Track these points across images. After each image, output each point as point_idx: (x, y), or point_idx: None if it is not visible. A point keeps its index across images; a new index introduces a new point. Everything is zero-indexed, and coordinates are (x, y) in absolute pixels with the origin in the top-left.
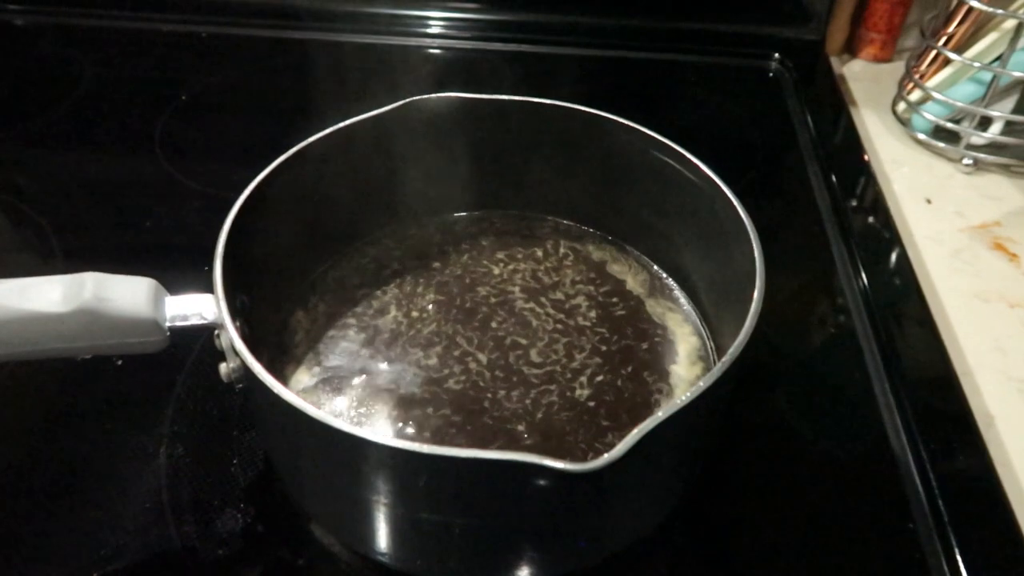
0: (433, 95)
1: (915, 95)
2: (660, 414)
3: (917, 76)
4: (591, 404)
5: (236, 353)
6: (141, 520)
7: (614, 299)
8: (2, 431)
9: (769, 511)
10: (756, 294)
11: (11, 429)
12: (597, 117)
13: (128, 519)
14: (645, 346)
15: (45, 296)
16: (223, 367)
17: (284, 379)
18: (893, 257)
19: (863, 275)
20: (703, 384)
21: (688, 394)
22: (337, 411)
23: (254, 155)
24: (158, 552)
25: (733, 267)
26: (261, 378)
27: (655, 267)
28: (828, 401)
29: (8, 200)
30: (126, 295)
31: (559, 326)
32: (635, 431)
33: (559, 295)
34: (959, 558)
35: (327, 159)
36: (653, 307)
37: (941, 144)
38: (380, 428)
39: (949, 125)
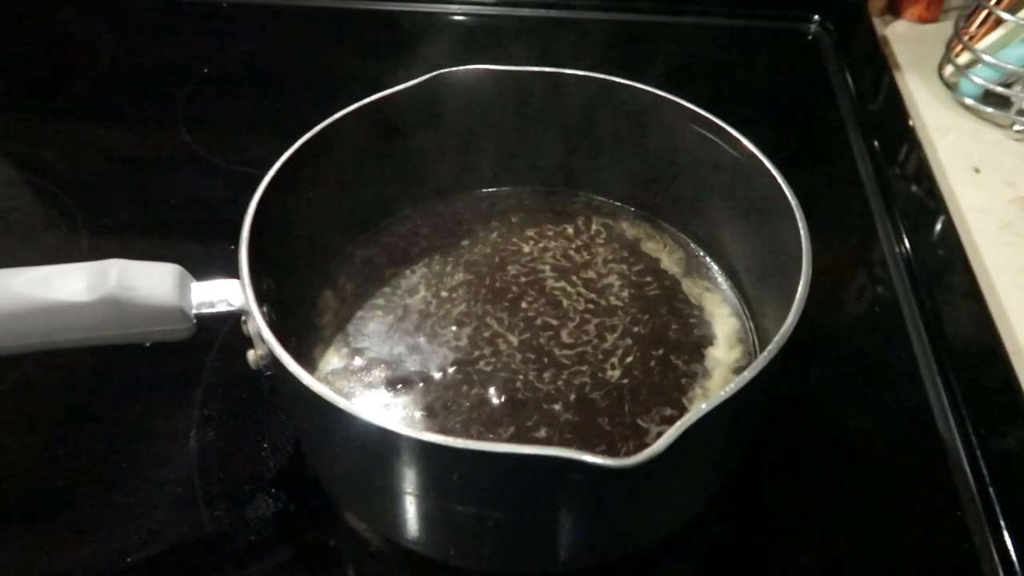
0: (460, 68)
1: (963, 58)
2: (704, 407)
3: (966, 38)
4: (624, 388)
5: (263, 340)
6: (172, 506)
7: (648, 278)
8: (34, 418)
9: (808, 492)
10: (802, 280)
11: (43, 415)
12: (630, 88)
13: (159, 505)
14: (681, 328)
15: (69, 285)
16: (251, 354)
17: (313, 361)
18: (938, 229)
19: (907, 248)
20: (748, 375)
21: (732, 385)
22: (366, 394)
23: (277, 129)
24: (190, 538)
25: (775, 244)
26: (289, 368)
27: (692, 245)
28: (870, 378)
29: (32, 177)
30: (151, 283)
31: (591, 306)
32: (677, 425)
33: (591, 274)
34: (1007, 539)
35: (353, 136)
36: (690, 287)
37: (990, 110)
38: (412, 411)
39: (999, 89)
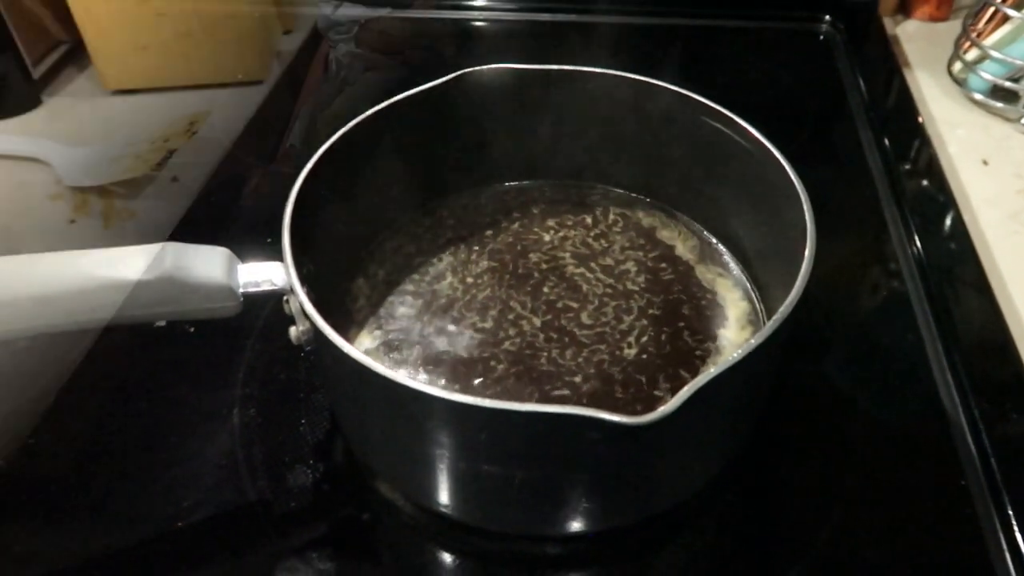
0: (484, 67)
1: (972, 54)
2: (712, 371)
3: (974, 34)
4: (640, 363)
5: (306, 316)
6: (218, 476)
7: (663, 264)
8: (88, 396)
9: (820, 474)
10: (807, 254)
11: (96, 394)
12: (645, 84)
13: (206, 475)
14: (694, 310)
15: (131, 265)
16: (293, 330)
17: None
18: (948, 221)
19: (917, 239)
20: (754, 342)
21: (739, 352)
22: (398, 370)
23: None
24: (235, 505)
25: (784, 231)
26: (330, 338)
27: (705, 233)
28: (881, 366)
29: None
30: (202, 263)
31: (609, 290)
32: (687, 387)
33: (609, 260)
34: (1013, 521)
35: (383, 132)
36: (703, 273)
37: (999, 104)
38: (440, 384)
39: (1007, 84)
